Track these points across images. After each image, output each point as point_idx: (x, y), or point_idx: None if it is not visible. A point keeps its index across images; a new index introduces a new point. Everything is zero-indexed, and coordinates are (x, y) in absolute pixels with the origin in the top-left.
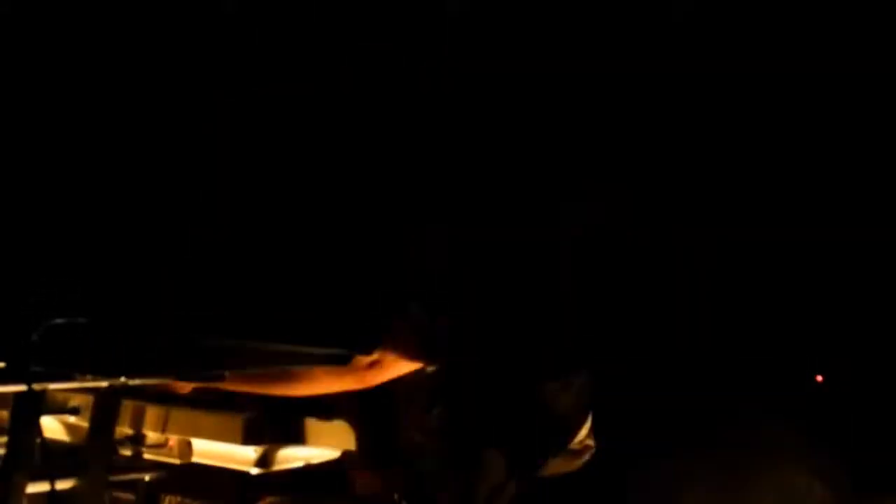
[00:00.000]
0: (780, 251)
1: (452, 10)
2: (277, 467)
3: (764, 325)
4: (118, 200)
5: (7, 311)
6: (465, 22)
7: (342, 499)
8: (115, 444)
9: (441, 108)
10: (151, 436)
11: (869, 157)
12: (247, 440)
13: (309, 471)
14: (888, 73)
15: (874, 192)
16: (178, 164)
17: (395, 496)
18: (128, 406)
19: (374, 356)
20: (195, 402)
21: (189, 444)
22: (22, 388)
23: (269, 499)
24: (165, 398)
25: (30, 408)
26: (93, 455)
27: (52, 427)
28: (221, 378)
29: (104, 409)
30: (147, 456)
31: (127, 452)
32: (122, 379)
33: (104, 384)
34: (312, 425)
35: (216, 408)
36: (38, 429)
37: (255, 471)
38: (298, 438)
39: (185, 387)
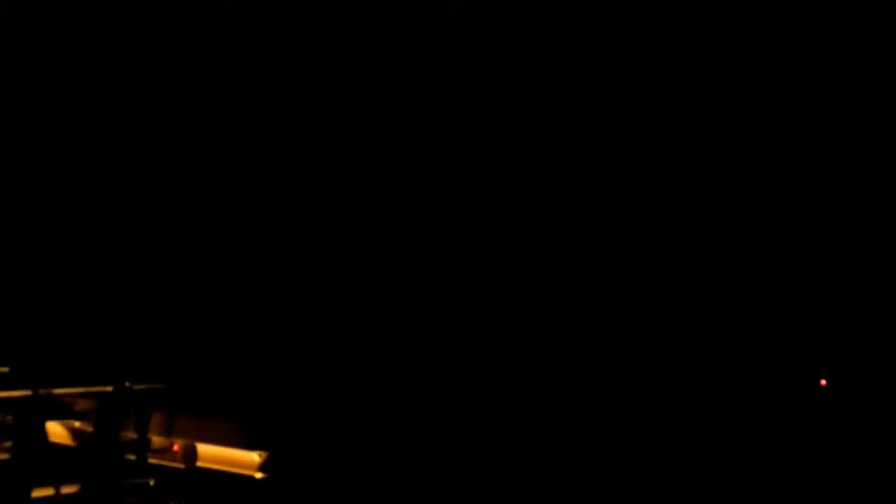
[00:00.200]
0: (780, 251)
1: (452, 10)
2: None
3: (764, 326)
4: (118, 200)
5: (7, 312)
6: (465, 22)
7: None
8: (119, 448)
9: (441, 108)
10: (156, 440)
11: (869, 157)
12: (251, 445)
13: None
14: (888, 73)
15: (874, 192)
16: (179, 164)
17: None
18: (133, 411)
19: None
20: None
21: (194, 449)
22: (27, 392)
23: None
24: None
25: (35, 412)
26: (98, 460)
27: (57, 431)
28: None
29: (109, 414)
30: (152, 460)
31: (132, 457)
32: (127, 384)
33: (109, 389)
34: None
35: (220, 413)
36: (43, 433)
37: (259, 475)
38: None
39: None
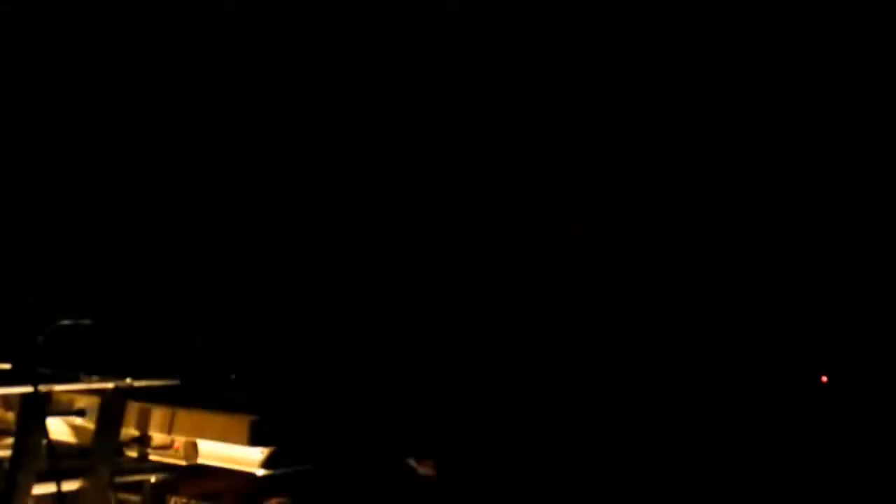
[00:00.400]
0: (780, 251)
1: (452, 10)
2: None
3: (764, 325)
4: (118, 200)
5: (7, 311)
6: (465, 22)
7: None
8: (121, 445)
9: (441, 108)
10: (157, 437)
11: (869, 157)
12: (253, 441)
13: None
14: (888, 73)
15: (874, 192)
16: (179, 164)
17: None
18: (133, 407)
19: None
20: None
21: (195, 446)
22: (28, 389)
23: (275, 499)
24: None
25: (36, 409)
26: (99, 456)
27: (58, 428)
28: None
29: (110, 411)
30: (153, 457)
31: (133, 454)
32: (128, 380)
33: (110, 386)
34: None
35: (221, 409)
36: (44, 430)
37: (260, 472)
38: None
39: None
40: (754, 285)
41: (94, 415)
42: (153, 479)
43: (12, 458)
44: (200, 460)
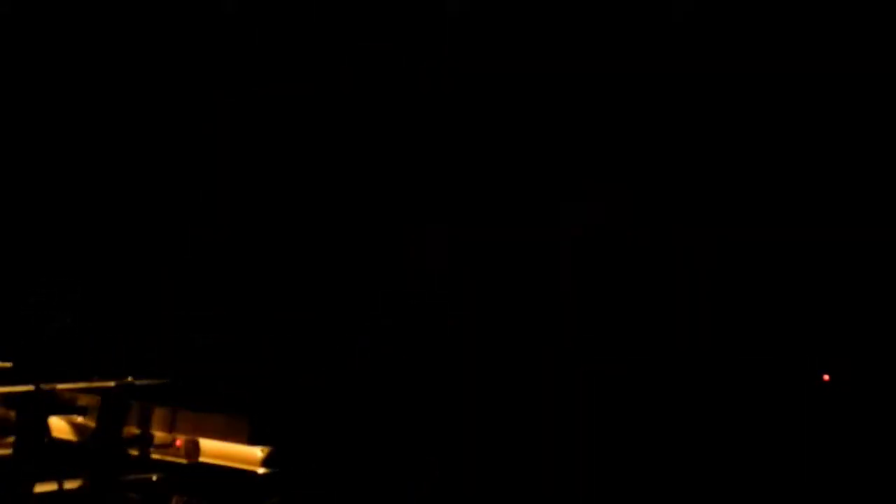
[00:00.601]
0: (780, 251)
1: (452, 10)
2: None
3: (764, 325)
4: (118, 200)
5: (7, 312)
6: (465, 22)
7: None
8: (122, 443)
9: (441, 108)
10: (159, 436)
11: (869, 157)
12: (253, 440)
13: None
14: (888, 73)
15: (874, 192)
16: (179, 164)
17: None
18: (135, 406)
19: None
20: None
21: (196, 444)
22: (30, 388)
23: (276, 498)
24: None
25: (38, 408)
26: (100, 455)
27: (59, 427)
28: None
29: (111, 409)
30: (154, 456)
31: (134, 452)
32: (130, 379)
33: (112, 384)
34: None
35: (222, 408)
36: (46, 428)
37: (261, 470)
38: None
39: None
40: (754, 285)
41: (95, 413)
42: (154, 477)
43: (13, 457)
44: (201, 459)
